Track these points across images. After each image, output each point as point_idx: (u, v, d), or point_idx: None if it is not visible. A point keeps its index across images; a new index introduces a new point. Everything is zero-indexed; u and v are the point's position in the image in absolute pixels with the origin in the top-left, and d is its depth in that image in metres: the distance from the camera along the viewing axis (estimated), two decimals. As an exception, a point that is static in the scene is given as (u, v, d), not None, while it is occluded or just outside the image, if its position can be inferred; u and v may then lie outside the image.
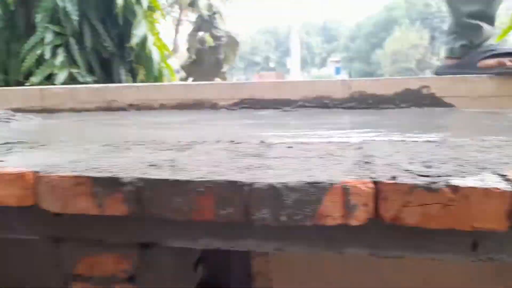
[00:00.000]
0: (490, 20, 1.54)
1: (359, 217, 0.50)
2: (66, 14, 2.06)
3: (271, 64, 43.35)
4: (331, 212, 0.50)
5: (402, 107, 1.45)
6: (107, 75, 2.28)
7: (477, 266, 1.36)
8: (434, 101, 1.44)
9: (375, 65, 32.98)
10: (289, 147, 0.75)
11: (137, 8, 2.23)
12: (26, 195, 0.57)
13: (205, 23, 3.03)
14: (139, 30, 2.11)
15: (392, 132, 1.02)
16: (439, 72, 1.63)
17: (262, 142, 0.82)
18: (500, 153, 0.63)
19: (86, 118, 1.55)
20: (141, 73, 2.43)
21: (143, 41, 2.16)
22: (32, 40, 2.05)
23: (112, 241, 0.65)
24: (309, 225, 0.51)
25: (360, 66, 35.98)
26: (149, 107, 1.64)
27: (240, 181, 0.52)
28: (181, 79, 3.15)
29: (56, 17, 2.13)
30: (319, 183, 0.50)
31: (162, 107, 1.63)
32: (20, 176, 0.57)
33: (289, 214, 0.51)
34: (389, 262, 1.40)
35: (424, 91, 1.44)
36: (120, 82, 2.24)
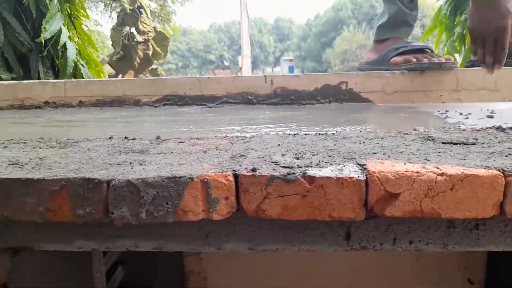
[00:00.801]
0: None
1: (221, 211, 0.49)
2: (-31, 7, 1.88)
3: (226, 63, 43.20)
4: (192, 207, 0.49)
5: (323, 103, 1.48)
6: (28, 72, 2.13)
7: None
8: (353, 96, 1.49)
9: (326, 64, 33.91)
10: (180, 142, 0.73)
11: (49, 0, 2.08)
12: None
13: (129, 17, 2.92)
14: (53, 25, 1.97)
15: (300, 127, 1.03)
16: (360, 67, 1.69)
17: (157, 138, 0.79)
18: (376, 144, 0.65)
19: (-6, 116, 1.44)
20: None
21: (58, 36, 2.03)
22: None
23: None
24: (171, 221, 0.49)
25: (312, 64, 36.83)
26: (66, 105, 1.56)
27: (97, 178, 0.49)
28: (110, 76, 3.05)
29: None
30: (178, 177, 0.48)
31: (81, 104, 1.55)
32: None
33: (149, 210, 0.49)
34: (324, 259, 1.43)
35: (343, 86, 1.48)
36: (39, 79, 2.10)
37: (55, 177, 0.49)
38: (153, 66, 3.21)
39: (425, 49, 1.53)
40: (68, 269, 0.74)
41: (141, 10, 3.07)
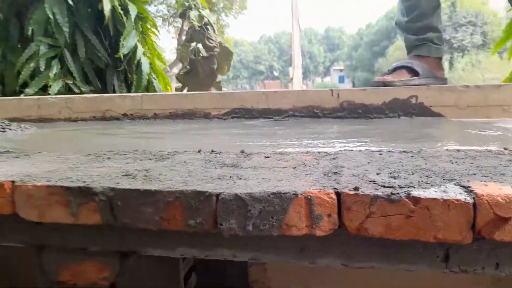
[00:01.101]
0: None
1: (324, 227, 0.51)
2: (58, 26, 2.10)
3: (275, 73, 43.57)
4: (296, 222, 0.51)
5: (391, 117, 1.46)
6: (104, 85, 2.31)
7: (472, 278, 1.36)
8: (423, 111, 1.45)
9: (378, 73, 33.04)
10: (266, 157, 0.76)
11: (126, 19, 2.27)
12: (5, 204, 0.59)
13: (197, 34, 3.10)
14: (129, 41, 2.14)
15: (374, 142, 1.03)
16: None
17: (242, 152, 0.83)
18: (471, 164, 0.64)
19: (80, 127, 1.58)
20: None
21: (133, 52, 2.19)
22: (27, 53, 2.10)
23: (93, 249, 0.66)
24: (275, 235, 0.52)
25: (364, 74, 36.02)
26: (142, 117, 1.66)
27: (208, 192, 0.53)
28: (177, 89, 3.25)
29: (48, 29, 2.17)
30: (283, 193, 0.51)
31: (156, 116, 1.65)
32: (-3, 186, 0.58)
33: (255, 224, 0.51)
34: (395, 274, 1.40)
35: (413, 100, 1.45)
36: (114, 91, 2.27)
37: (170, 189, 0.54)
38: (217, 80, 3.38)
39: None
40: (162, 273, 0.79)
41: (208, 26, 3.25)
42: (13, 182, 0.59)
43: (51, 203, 0.57)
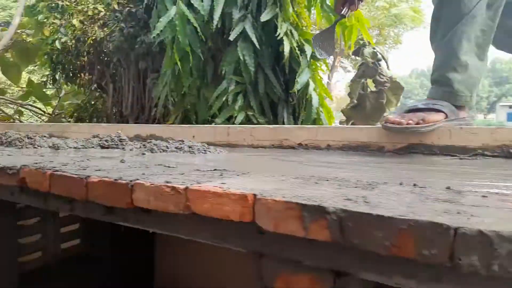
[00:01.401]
0: None
1: None
2: (246, 66, 2.43)
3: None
4: (554, 269, 0.47)
5: None
6: (274, 116, 2.55)
7: None
8: None
9: None
10: (483, 196, 0.72)
11: (301, 58, 2.49)
12: (246, 212, 0.70)
13: (369, 69, 3.17)
14: (302, 78, 2.33)
15: None
16: None
17: (448, 188, 0.80)
18: None
19: (263, 153, 1.76)
20: (302, 116, 2.64)
21: (305, 87, 2.37)
22: (219, 89, 2.49)
23: (309, 263, 0.72)
24: (526, 279, 0.48)
25: (542, 112, 30.19)
26: (316, 147, 1.76)
27: (446, 224, 0.53)
28: (341, 122, 3.37)
29: (238, 69, 2.53)
30: (540, 236, 0.47)
31: (329, 147, 1.73)
32: (243, 197, 0.71)
33: (502, 264, 0.49)
34: None
35: None
36: (283, 123, 2.48)
37: (403, 217, 0.56)
38: (385, 114, 3.38)
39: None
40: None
41: (380, 62, 3.31)
42: (254, 195, 0.71)
43: (286, 217, 0.66)
